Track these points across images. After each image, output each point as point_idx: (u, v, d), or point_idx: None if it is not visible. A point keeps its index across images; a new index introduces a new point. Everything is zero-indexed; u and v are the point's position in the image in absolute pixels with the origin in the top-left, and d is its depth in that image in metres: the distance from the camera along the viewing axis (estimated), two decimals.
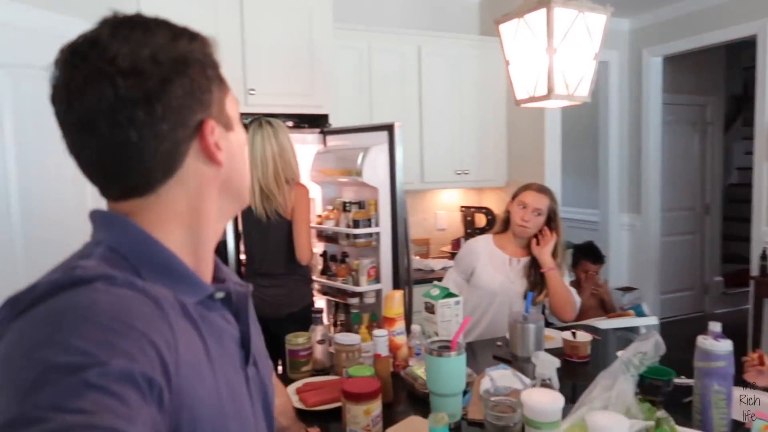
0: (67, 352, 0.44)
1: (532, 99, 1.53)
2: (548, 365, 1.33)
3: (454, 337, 1.42)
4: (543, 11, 1.44)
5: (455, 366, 1.40)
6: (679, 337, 1.37)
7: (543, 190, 2.24)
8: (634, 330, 3.04)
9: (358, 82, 3.25)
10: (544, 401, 1.10)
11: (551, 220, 2.20)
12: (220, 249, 2.66)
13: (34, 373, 0.43)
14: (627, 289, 4.69)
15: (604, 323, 2.87)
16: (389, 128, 2.51)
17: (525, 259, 2.26)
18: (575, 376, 1.79)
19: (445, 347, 1.42)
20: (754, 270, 3.76)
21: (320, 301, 2.91)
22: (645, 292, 4.72)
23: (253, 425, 0.66)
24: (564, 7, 1.43)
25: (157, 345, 0.50)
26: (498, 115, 3.69)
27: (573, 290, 2.23)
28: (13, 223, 1.96)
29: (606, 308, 3.24)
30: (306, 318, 2.42)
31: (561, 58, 1.46)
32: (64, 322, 0.47)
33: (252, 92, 2.79)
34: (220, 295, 0.65)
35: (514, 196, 2.29)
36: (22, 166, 1.95)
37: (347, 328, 2.64)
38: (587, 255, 3.30)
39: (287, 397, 1.31)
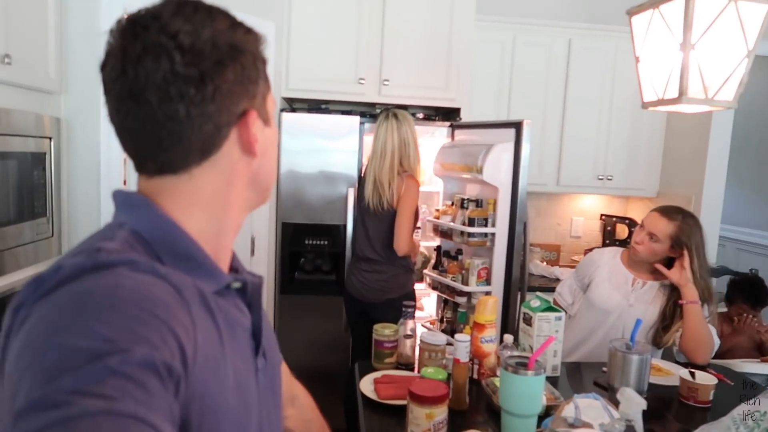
0: (90, 337, 0.44)
1: (661, 102, 1.34)
2: (633, 405, 1.17)
3: (534, 354, 1.32)
4: (682, 1, 1.24)
5: (530, 386, 1.30)
6: None
7: (669, 213, 1.96)
8: None
9: (498, 76, 3.13)
10: None
11: (688, 251, 1.90)
12: (335, 233, 2.77)
13: (57, 356, 0.43)
14: None
15: (756, 366, 2.45)
16: (517, 126, 2.38)
17: (653, 284, 2.01)
18: (689, 422, 1.56)
19: (522, 364, 1.33)
20: None
21: (433, 295, 2.90)
22: None
23: (257, 415, 0.66)
24: None
25: (177, 333, 0.50)
26: (655, 117, 3.30)
27: (713, 330, 1.91)
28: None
29: (762, 351, 2.75)
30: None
31: (700, 55, 1.25)
32: (87, 307, 0.47)
33: (386, 83, 2.84)
34: (236, 285, 0.65)
35: None
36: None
37: (453, 326, 2.60)
38: (745, 295, 2.78)
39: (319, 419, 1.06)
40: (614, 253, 2.19)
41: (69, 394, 0.41)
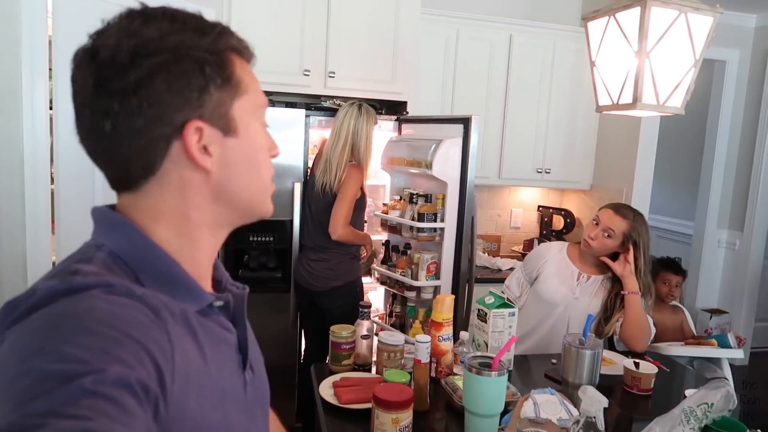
0: (62, 360, 0.44)
1: (616, 107, 1.38)
2: (595, 403, 1.21)
3: (497, 355, 1.34)
4: (637, 9, 1.28)
5: (494, 387, 1.32)
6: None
7: (623, 212, 2.05)
8: (714, 361, 2.78)
9: (442, 70, 3.15)
10: None
11: (635, 248, 2.01)
12: (280, 228, 2.70)
13: (29, 381, 0.43)
14: (716, 312, 4.29)
15: (681, 349, 2.64)
16: (465, 121, 2.41)
17: (596, 278, 2.11)
18: (634, 410, 1.65)
19: (486, 364, 1.35)
20: None
21: (380, 291, 2.90)
22: (737, 318, 4.30)
23: (246, 429, 0.66)
24: (663, 6, 1.26)
25: (154, 354, 0.49)
26: (590, 113, 3.44)
27: (650, 319, 2.03)
28: (96, 180, 2.09)
29: (685, 333, 2.97)
30: (351, 294, 2.47)
31: (653, 63, 1.30)
32: (60, 331, 0.46)
33: (332, 75, 2.78)
34: (218, 303, 0.65)
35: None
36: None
37: (402, 320, 2.61)
38: (667, 267, 3.05)
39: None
40: (561, 247, 2.27)
41: (42, 416, 0.40)
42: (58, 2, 1.94)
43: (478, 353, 1.51)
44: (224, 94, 0.60)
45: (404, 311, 2.64)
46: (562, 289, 2.11)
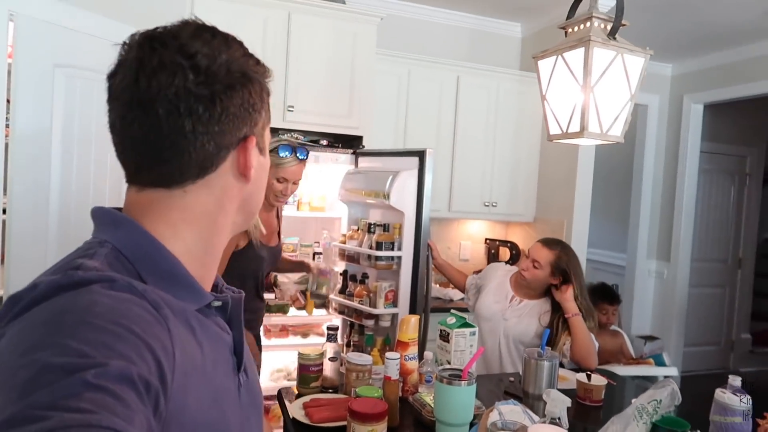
0: (64, 353, 0.44)
1: (565, 135, 1.54)
2: (559, 404, 1.30)
3: (466, 366, 1.42)
4: (581, 50, 1.45)
5: (464, 396, 1.39)
6: (700, 392, 1.34)
7: (549, 244, 2.28)
8: (651, 379, 2.96)
9: (395, 107, 3.30)
10: None
11: (565, 275, 2.21)
12: None
13: (31, 373, 0.43)
14: (649, 338, 4.56)
15: (622, 369, 2.81)
16: (420, 154, 2.54)
17: (528, 302, 2.32)
18: (587, 420, 1.75)
19: (455, 376, 1.41)
20: None
21: (336, 320, 2.92)
22: (668, 343, 4.58)
23: (239, 431, 0.66)
24: (603, 47, 1.44)
25: (155, 350, 0.50)
26: (531, 151, 3.69)
27: (593, 336, 2.19)
28: (51, 212, 2.05)
29: (625, 355, 3.16)
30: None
31: (596, 97, 1.46)
32: (62, 324, 0.47)
33: (291, 109, 2.86)
34: (216, 303, 0.66)
35: None
36: (65, 161, 2.04)
37: (360, 349, 2.64)
38: (603, 296, 3.29)
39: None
40: (507, 271, 2.49)
41: (44, 409, 0.40)
42: (20, 28, 1.93)
43: (447, 366, 1.57)
44: (266, 118, 0.69)
45: (362, 340, 2.67)
46: (495, 307, 2.35)
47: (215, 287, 0.72)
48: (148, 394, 0.47)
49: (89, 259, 0.56)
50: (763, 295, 5.31)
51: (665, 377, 2.94)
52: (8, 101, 1.95)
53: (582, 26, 1.49)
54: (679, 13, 3.35)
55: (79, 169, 2.08)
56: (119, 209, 0.64)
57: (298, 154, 2.00)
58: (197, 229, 0.64)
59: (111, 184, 2.24)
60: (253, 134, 0.65)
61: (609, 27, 1.46)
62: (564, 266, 2.22)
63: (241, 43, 0.65)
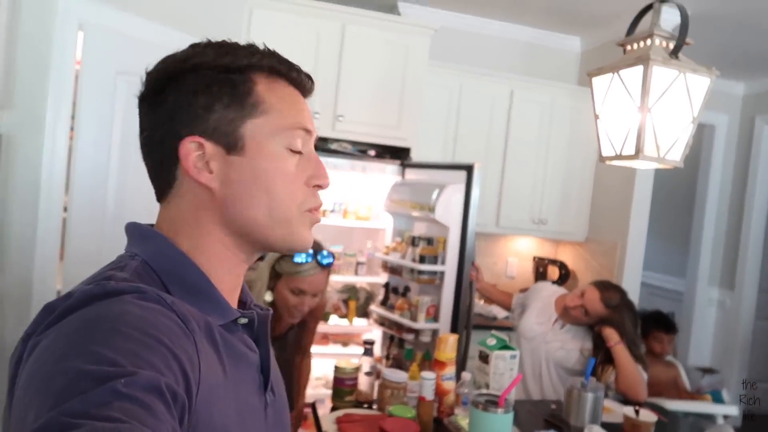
0: (97, 361, 0.45)
1: (619, 157, 1.46)
2: None
3: (504, 392, 1.36)
4: (640, 68, 1.38)
5: (501, 424, 1.34)
6: None
7: (607, 299, 2.16)
8: (709, 418, 2.78)
9: (445, 119, 3.26)
10: None
11: (611, 321, 2.14)
12: None
13: (65, 381, 0.44)
14: (708, 371, 4.30)
15: (675, 404, 2.65)
16: (468, 168, 2.49)
17: (571, 327, 2.25)
18: None
19: (492, 402, 1.36)
20: None
21: (376, 331, 2.90)
22: (728, 377, 4.30)
23: None
24: (664, 66, 1.36)
25: (182, 361, 0.50)
26: (586, 168, 3.56)
27: (640, 368, 2.08)
28: (107, 213, 2.13)
29: (679, 388, 2.98)
30: None
31: (655, 118, 1.38)
32: (94, 333, 0.48)
33: (340, 118, 2.88)
34: (243, 320, 0.65)
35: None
36: (122, 165, 2.12)
37: (399, 362, 2.61)
38: (658, 324, 3.10)
39: None
40: (553, 292, 2.42)
41: (77, 417, 0.40)
42: (88, 37, 2.03)
43: (483, 391, 1.52)
44: (233, 112, 0.61)
45: (401, 354, 2.64)
46: (537, 329, 2.29)
47: (243, 304, 0.71)
48: (175, 405, 0.47)
49: (120, 271, 0.58)
50: None
51: (724, 416, 2.76)
52: (74, 103, 2.05)
53: (642, 44, 1.42)
54: (750, 30, 3.16)
55: (136, 172, 2.15)
56: (151, 225, 0.66)
57: (319, 260, 1.55)
58: (191, 239, 0.63)
59: None
60: (201, 133, 0.60)
61: (671, 45, 1.38)
62: (615, 326, 2.13)
63: (211, 44, 0.63)
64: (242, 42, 0.65)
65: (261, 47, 0.65)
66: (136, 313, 0.50)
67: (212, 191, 0.62)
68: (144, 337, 0.48)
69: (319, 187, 0.67)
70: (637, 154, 1.39)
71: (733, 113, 4.29)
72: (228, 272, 0.66)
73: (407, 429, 1.34)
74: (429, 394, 1.57)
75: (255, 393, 0.65)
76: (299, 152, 0.65)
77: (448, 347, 1.73)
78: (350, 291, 3.20)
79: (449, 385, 1.73)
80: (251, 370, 0.65)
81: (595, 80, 1.52)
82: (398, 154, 3.01)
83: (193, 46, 0.63)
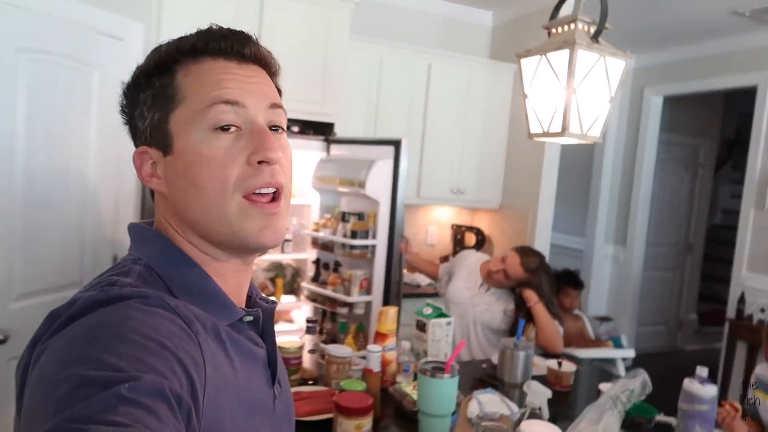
0: (100, 367, 0.45)
1: (546, 134, 1.57)
2: (539, 395, 1.36)
3: (449, 359, 1.45)
4: (566, 51, 1.48)
5: (448, 388, 1.43)
6: (652, 371, 1.42)
7: (527, 263, 2.34)
8: (611, 361, 3.11)
9: (366, 94, 3.28)
10: None
11: (530, 283, 2.33)
12: None
13: (69, 387, 0.44)
14: (604, 319, 4.77)
15: (583, 352, 2.94)
16: (396, 144, 2.54)
17: (495, 290, 2.43)
18: (558, 405, 1.83)
19: (439, 369, 1.45)
20: (731, 312, 3.86)
21: (305, 307, 2.93)
22: (621, 324, 4.81)
23: None
24: (587, 50, 1.47)
25: (186, 365, 0.50)
26: (499, 139, 3.74)
27: (556, 323, 2.29)
28: (16, 203, 1.95)
29: (585, 338, 3.30)
30: None
31: (578, 98, 1.50)
32: (98, 339, 0.48)
33: None
34: (248, 318, 0.65)
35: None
36: (30, 153, 1.94)
37: (333, 336, 2.65)
38: (568, 281, 3.42)
39: None
40: (478, 259, 2.57)
41: (81, 422, 0.41)
42: None
43: (430, 359, 1.61)
44: (158, 112, 0.60)
45: (335, 328, 2.69)
46: (465, 293, 2.46)
47: (249, 298, 0.71)
48: (180, 409, 0.47)
49: (124, 276, 0.58)
50: (710, 278, 5.60)
51: (623, 359, 3.10)
52: None
53: (566, 28, 1.52)
54: (643, 8, 3.44)
55: (48, 160, 1.98)
56: (150, 222, 0.66)
57: None
58: (177, 241, 0.64)
59: (97, 176, 2.17)
60: (144, 141, 0.62)
61: (592, 29, 1.49)
62: (534, 288, 2.32)
63: (157, 47, 0.63)
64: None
65: (214, 28, 0.62)
66: (140, 319, 0.51)
67: (164, 195, 0.63)
68: (148, 342, 0.48)
69: (265, 162, 0.59)
70: (563, 131, 1.51)
71: (625, 85, 4.67)
72: (218, 273, 0.63)
73: (362, 401, 1.39)
74: (376, 366, 1.63)
75: (264, 387, 0.66)
76: (229, 130, 0.59)
77: (389, 319, 1.80)
78: (277, 269, 3.18)
79: (391, 355, 1.80)
80: (259, 365, 0.66)
81: (524, 61, 1.60)
82: (322, 130, 2.99)
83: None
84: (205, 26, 0.63)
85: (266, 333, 0.68)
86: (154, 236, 0.63)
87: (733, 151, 6.01)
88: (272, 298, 0.75)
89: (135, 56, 2.42)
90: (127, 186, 2.38)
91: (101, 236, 2.26)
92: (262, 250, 0.63)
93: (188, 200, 0.60)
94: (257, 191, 0.60)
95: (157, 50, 0.63)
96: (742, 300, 3.78)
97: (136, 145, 0.63)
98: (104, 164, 2.22)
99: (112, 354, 0.46)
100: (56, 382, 0.45)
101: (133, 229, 0.65)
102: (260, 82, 0.63)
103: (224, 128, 0.58)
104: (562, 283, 3.36)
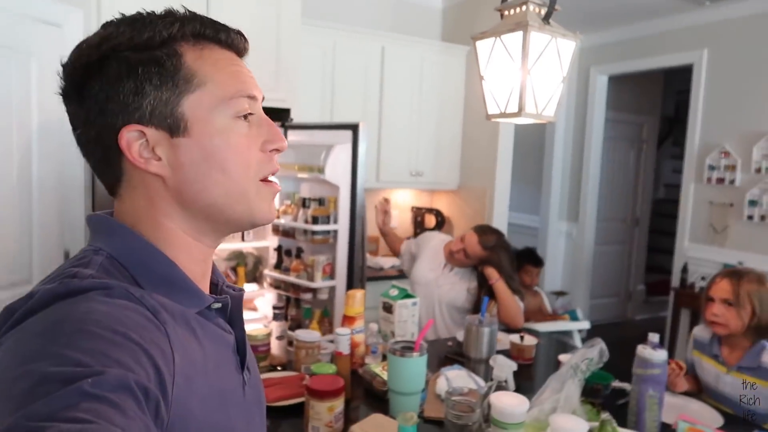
0: (61, 363, 0.43)
1: (503, 115, 1.61)
2: (506, 368, 1.41)
3: (418, 338, 1.48)
4: (520, 33, 1.51)
5: (417, 366, 1.46)
6: (606, 341, 1.50)
7: (485, 241, 2.40)
8: (568, 334, 3.24)
9: (321, 78, 3.25)
10: (513, 404, 1.18)
11: (490, 261, 2.40)
12: None
13: (29, 383, 0.42)
14: (560, 293, 4.96)
15: (542, 326, 3.04)
16: (354, 128, 2.54)
17: (458, 270, 2.49)
18: (521, 377, 1.90)
19: (408, 348, 1.48)
20: (675, 281, 4.07)
21: (268, 295, 2.91)
22: (576, 297, 5.00)
23: (245, 429, 0.66)
24: (539, 31, 1.51)
25: (153, 356, 0.49)
26: (454, 120, 3.79)
27: (517, 298, 2.37)
28: None
29: (543, 312, 3.42)
30: None
31: (533, 79, 1.54)
32: (58, 333, 0.46)
33: None
34: (216, 305, 0.65)
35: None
36: None
37: (298, 322, 2.66)
38: (529, 259, 3.52)
39: None
40: (441, 240, 2.62)
41: (42, 420, 0.39)
42: None
43: (399, 339, 1.64)
44: (166, 92, 0.58)
45: (300, 313, 2.69)
46: (429, 275, 2.50)
47: (215, 286, 0.71)
48: (147, 402, 0.46)
49: (84, 267, 0.55)
50: (656, 250, 5.88)
51: (579, 331, 3.23)
52: None
53: (518, 10, 1.55)
54: None
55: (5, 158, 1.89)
56: (110, 213, 0.63)
57: None
58: (150, 231, 0.61)
59: (41, 168, 2.08)
60: (138, 120, 0.57)
61: (543, 11, 1.53)
62: (494, 265, 2.38)
63: (125, 20, 0.58)
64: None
65: (181, 11, 0.60)
66: (102, 311, 0.49)
67: (164, 179, 0.59)
68: (111, 335, 0.47)
69: (277, 151, 0.64)
70: (520, 111, 1.54)
71: (573, 65, 4.79)
72: (194, 260, 0.64)
73: (333, 384, 1.40)
74: (345, 349, 1.65)
75: (233, 373, 0.66)
76: (247, 119, 0.62)
77: (356, 302, 1.82)
78: (238, 257, 3.14)
79: (360, 337, 1.83)
80: (228, 352, 0.66)
81: (479, 44, 1.63)
82: (278, 116, 2.95)
83: (105, 26, 0.58)
84: (159, 9, 0.60)
85: (234, 320, 0.68)
86: (116, 226, 0.61)
87: (673, 128, 6.28)
88: (239, 287, 0.73)
89: (75, 43, 2.33)
90: (75, 177, 2.29)
91: (50, 231, 2.18)
92: (261, 226, 0.68)
93: (208, 183, 0.60)
94: (268, 177, 0.65)
95: (148, 25, 0.58)
96: (685, 270, 3.99)
97: (115, 123, 0.57)
98: (48, 156, 2.13)
99: (73, 348, 0.44)
100: (14, 379, 0.43)
101: (93, 219, 0.62)
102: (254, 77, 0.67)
103: (244, 117, 0.62)
104: (523, 261, 3.47)
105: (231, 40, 0.63)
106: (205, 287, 0.67)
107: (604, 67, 4.66)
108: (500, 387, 1.42)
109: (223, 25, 0.63)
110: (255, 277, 3.03)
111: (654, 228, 5.82)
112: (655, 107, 5.51)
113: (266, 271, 2.83)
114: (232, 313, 0.67)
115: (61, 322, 0.47)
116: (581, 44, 4.70)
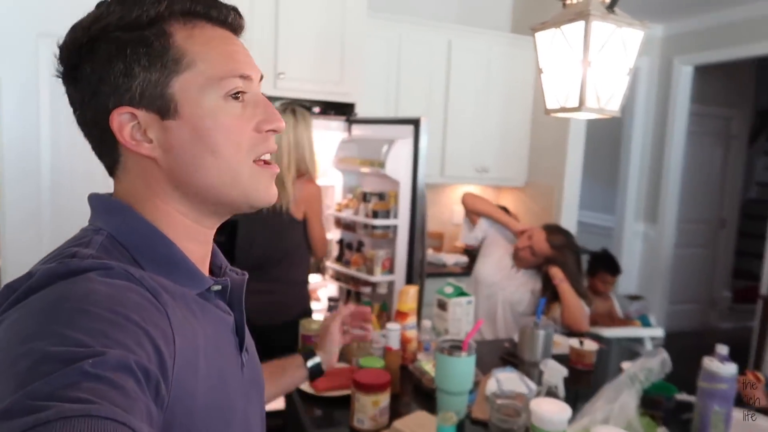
0: (62, 343, 0.43)
1: (563, 110, 1.54)
2: (556, 374, 1.36)
3: (466, 337, 1.46)
4: (581, 23, 1.44)
5: (465, 366, 1.44)
6: (683, 350, 1.40)
7: (554, 241, 2.32)
8: (639, 341, 3.07)
9: (386, 72, 3.26)
10: (552, 411, 1.13)
11: (555, 261, 2.30)
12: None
13: (29, 363, 0.42)
14: (635, 298, 4.69)
15: (609, 332, 2.90)
16: (416, 122, 2.53)
17: (525, 271, 2.40)
18: (579, 384, 1.82)
19: (456, 347, 1.46)
20: (765, 288, 3.75)
21: (332, 287, 2.97)
22: (652, 302, 4.72)
23: (243, 410, 0.66)
24: (602, 20, 1.43)
25: (153, 337, 0.49)
26: (523, 115, 3.69)
27: (583, 303, 2.27)
28: (42, 185, 2.03)
29: (613, 318, 3.26)
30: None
31: (595, 71, 1.46)
32: (59, 313, 0.46)
33: (281, 75, 2.81)
34: (216, 287, 0.65)
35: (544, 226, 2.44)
36: (54, 135, 2.00)
37: None
38: (606, 266, 3.33)
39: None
40: (511, 240, 2.51)
41: (43, 399, 0.39)
42: None
43: (447, 337, 1.62)
44: (155, 73, 0.57)
45: None
46: (497, 276, 2.42)
47: (218, 269, 0.72)
48: (148, 382, 0.46)
49: (84, 247, 0.55)
50: (744, 254, 5.44)
51: (651, 338, 3.05)
52: None
53: None
54: None
55: (70, 144, 2.04)
56: (110, 195, 0.63)
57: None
58: (148, 213, 0.61)
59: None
60: (129, 102, 0.57)
61: (608, 0, 1.45)
62: (559, 265, 2.29)
63: (107, 2, 0.57)
64: None
65: None
66: (103, 291, 0.49)
67: (156, 161, 0.59)
68: (112, 316, 0.47)
69: (273, 131, 0.63)
70: (581, 106, 1.48)
71: (654, 55, 4.51)
72: (194, 241, 0.64)
73: (379, 378, 1.41)
74: (395, 344, 1.65)
75: (233, 354, 0.66)
76: (240, 98, 0.61)
77: (409, 298, 1.81)
78: None
79: (411, 333, 1.82)
80: (228, 332, 0.66)
81: (539, 35, 1.57)
82: (343, 110, 2.99)
83: (98, 6, 0.58)
84: None
85: (234, 302, 0.68)
86: (117, 206, 0.60)
87: (767, 122, 5.78)
88: (242, 270, 0.73)
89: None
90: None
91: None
92: (260, 209, 0.66)
93: (200, 165, 0.59)
94: (262, 156, 0.63)
95: (138, 3, 0.57)
96: None
97: (107, 105, 0.57)
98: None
99: (74, 328, 0.45)
100: (15, 357, 0.43)
101: (93, 199, 0.62)
102: (251, 55, 0.65)
103: (235, 96, 0.60)
104: (599, 267, 3.29)
105: (224, 17, 0.62)
106: (204, 269, 0.67)
107: (688, 57, 4.35)
108: (550, 393, 1.37)
109: (215, 2, 0.61)
110: (318, 267, 3.10)
111: (743, 230, 5.39)
112: (746, 100, 5.09)
113: (328, 263, 2.89)
114: (232, 295, 0.68)
115: (62, 301, 0.47)
116: (663, 33, 4.44)
